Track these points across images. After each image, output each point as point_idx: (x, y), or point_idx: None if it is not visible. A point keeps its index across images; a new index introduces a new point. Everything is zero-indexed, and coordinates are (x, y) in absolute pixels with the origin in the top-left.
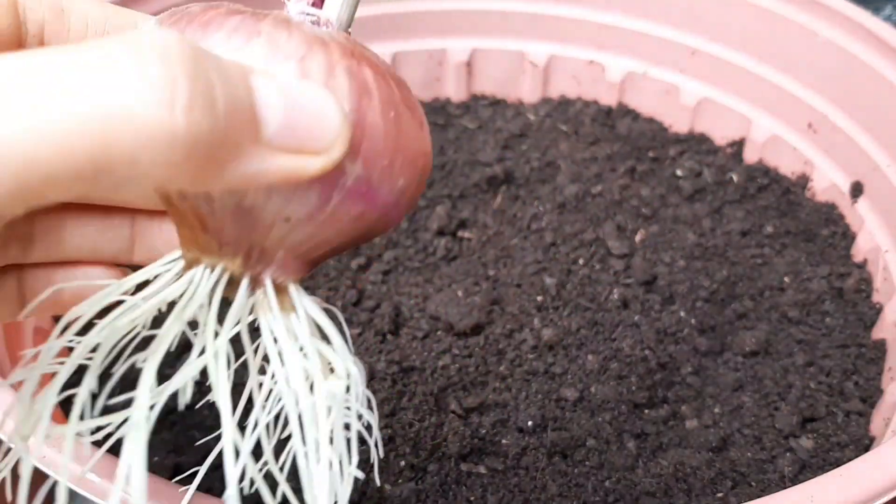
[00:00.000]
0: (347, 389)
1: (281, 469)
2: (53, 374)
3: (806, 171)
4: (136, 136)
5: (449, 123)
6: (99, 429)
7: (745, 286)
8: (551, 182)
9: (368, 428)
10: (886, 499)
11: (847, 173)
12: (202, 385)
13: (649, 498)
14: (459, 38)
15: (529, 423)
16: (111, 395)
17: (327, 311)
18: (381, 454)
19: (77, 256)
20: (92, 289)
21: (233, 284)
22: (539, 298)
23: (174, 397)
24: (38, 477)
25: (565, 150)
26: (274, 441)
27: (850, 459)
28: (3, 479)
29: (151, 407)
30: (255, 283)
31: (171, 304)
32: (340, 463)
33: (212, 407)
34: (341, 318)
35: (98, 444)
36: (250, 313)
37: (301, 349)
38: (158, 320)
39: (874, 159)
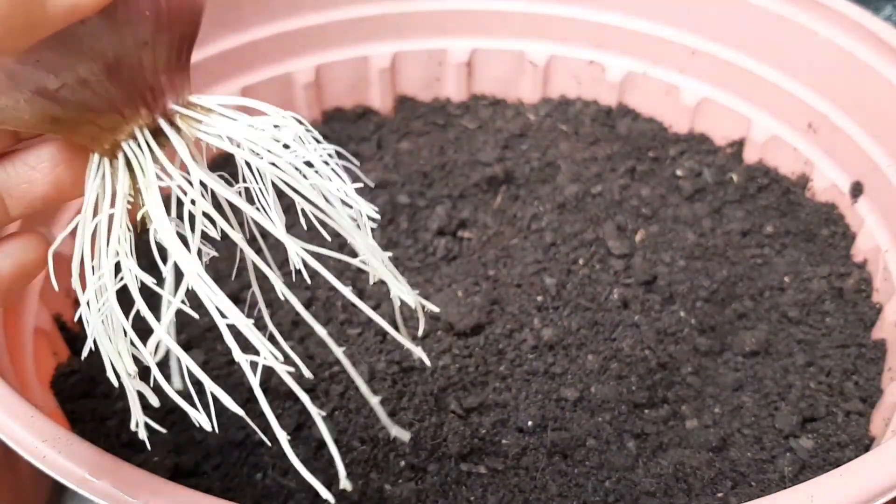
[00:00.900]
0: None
1: None
2: None
3: (806, 171)
4: None
5: (449, 123)
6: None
7: (745, 286)
8: (551, 182)
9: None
10: (886, 499)
11: (847, 173)
12: (200, 385)
13: (649, 498)
14: (459, 38)
15: (529, 423)
16: None
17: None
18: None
19: None
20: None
21: (158, 134)
22: (539, 298)
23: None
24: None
25: (565, 150)
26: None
27: (850, 459)
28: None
29: None
30: (170, 120)
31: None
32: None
33: (210, 407)
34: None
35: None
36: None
37: (251, 126)
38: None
39: (874, 159)
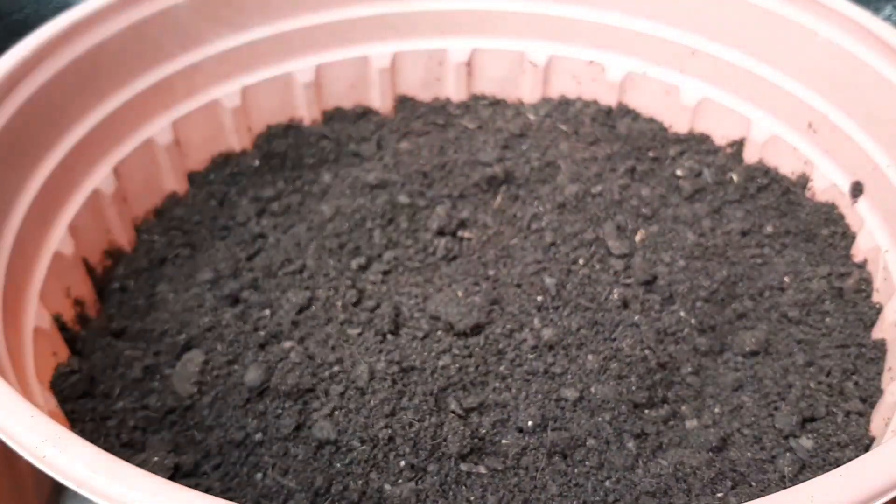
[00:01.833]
0: None
1: None
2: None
3: (806, 170)
4: None
5: (449, 123)
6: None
7: (745, 286)
8: (551, 182)
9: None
10: (886, 499)
11: (847, 173)
12: (202, 385)
13: (649, 498)
14: (459, 37)
15: (529, 423)
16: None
17: None
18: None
19: None
20: None
21: None
22: (539, 298)
23: (175, 396)
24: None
25: (565, 149)
26: None
27: (850, 459)
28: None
29: None
30: None
31: None
32: None
33: (211, 406)
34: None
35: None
36: None
37: None
38: None
39: (874, 159)
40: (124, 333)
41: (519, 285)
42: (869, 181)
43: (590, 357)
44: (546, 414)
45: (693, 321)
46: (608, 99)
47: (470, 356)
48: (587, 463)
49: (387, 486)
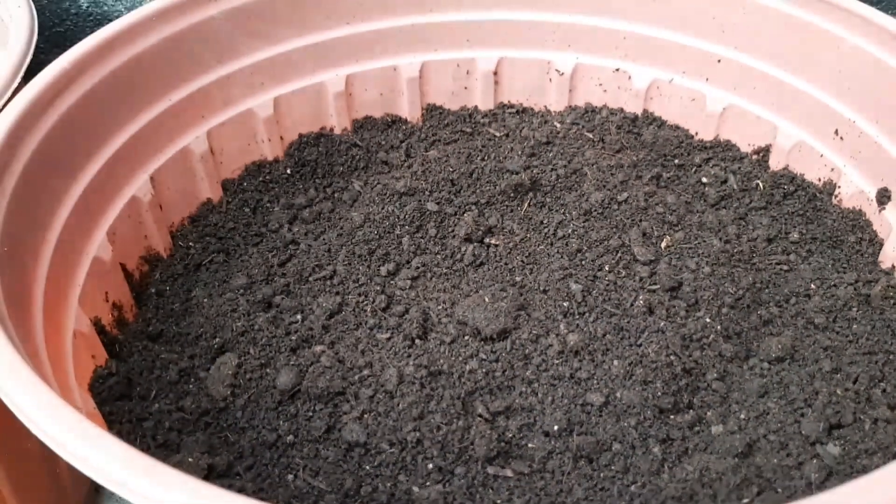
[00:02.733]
0: None
1: None
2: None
3: (832, 177)
4: None
5: (476, 131)
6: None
7: (771, 293)
8: (577, 189)
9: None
10: None
11: (874, 180)
12: (236, 387)
13: (675, 502)
14: (487, 48)
15: (555, 427)
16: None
17: None
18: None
19: None
20: None
21: None
22: (565, 304)
23: (209, 398)
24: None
25: (591, 157)
26: None
27: (877, 467)
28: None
29: None
30: None
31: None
32: None
33: (244, 408)
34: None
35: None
36: None
37: None
38: None
39: None
40: (160, 337)
41: (545, 291)
42: None
43: (615, 362)
44: (572, 418)
45: (719, 327)
46: (634, 107)
47: (497, 361)
48: (613, 467)
49: (415, 489)
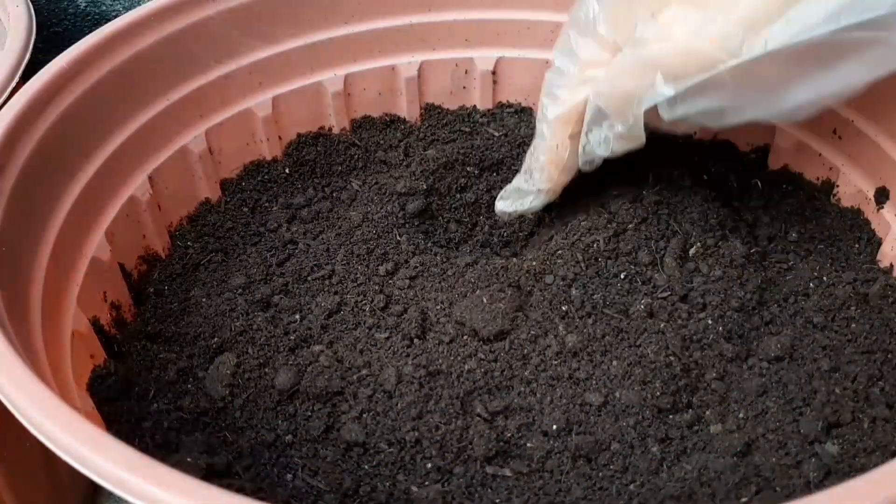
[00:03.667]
0: None
1: None
2: None
3: (831, 177)
4: None
5: (475, 131)
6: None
7: (772, 292)
8: None
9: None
10: None
11: (872, 179)
12: (234, 387)
13: (673, 501)
14: (485, 47)
15: (554, 426)
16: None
17: None
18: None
19: None
20: None
21: None
22: (563, 308)
23: (208, 398)
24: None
25: None
26: None
27: (876, 465)
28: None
29: None
30: None
31: None
32: None
33: (243, 408)
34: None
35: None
36: None
37: None
38: None
39: None
40: (159, 337)
41: (544, 291)
42: (894, 187)
43: (614, 363)
44: (570, 418)
45: (720, 329)
46: None
47: (495, 361)
48: (611, 467)
49: (414, 488)
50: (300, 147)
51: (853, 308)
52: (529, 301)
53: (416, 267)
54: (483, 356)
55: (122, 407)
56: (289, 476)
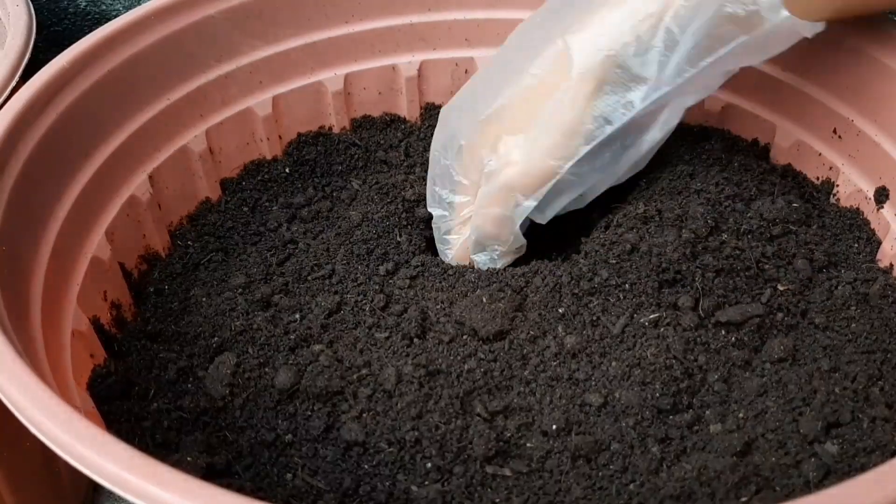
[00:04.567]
0: None
1: None
2: None
3: (830, 176)
4: None
5: None
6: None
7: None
8: None
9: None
10: None
11: (872, 179)
12: (234, 387)
13: (673, 501)
14: (486, 47)
15: (553, 427)
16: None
17: None
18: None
19: None
20: None
21: None
22: (560, 311)
23: (208, 398)
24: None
25: None
26: None
27: (875, 465)
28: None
29: None
30: None
31: None
32: None
33: (243, 408)
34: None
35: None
36: None
37: None
38: None
39: None
40: (159, 336)
41: (543, 292)
42: (894, 186)
43: (613, 364)
44: (570, 418)
45: (723, 332)
46: None
47: (495, 361)
48: (611, 466)
49: (413, 488)
50: (300, 146)
51: (853, 308)
52: (528, 301)
53: (417, 266)
54: (483, 356)
55: (122, 406)
56: (289, 475)
